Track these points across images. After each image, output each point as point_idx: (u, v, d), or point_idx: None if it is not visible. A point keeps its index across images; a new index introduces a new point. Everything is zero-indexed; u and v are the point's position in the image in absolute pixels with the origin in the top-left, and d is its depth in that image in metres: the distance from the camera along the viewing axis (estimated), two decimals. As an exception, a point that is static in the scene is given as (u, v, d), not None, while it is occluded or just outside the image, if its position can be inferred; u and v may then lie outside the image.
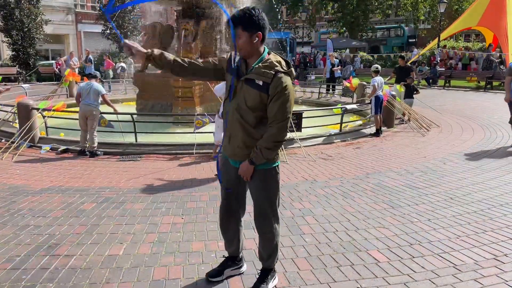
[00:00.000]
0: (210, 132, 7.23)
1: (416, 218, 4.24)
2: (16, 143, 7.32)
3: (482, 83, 20.07)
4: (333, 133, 8.38)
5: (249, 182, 2.75)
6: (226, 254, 3.11)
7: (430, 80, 20.98)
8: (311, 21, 36.55)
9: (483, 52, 25.43)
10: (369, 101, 9.09)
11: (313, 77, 23.62)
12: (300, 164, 6.47)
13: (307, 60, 28.25)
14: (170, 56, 2.70)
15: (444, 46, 25.95)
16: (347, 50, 29.42)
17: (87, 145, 7.14)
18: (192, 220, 4.18)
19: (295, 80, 17.17)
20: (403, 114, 10.39)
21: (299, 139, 7.52)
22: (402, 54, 15.36)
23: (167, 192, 5.11)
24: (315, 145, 7.83)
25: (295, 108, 7.64)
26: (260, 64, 2.52)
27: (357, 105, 9.76)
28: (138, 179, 5.66)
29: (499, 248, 3.53)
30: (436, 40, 25.21)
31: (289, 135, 7.50)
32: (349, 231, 3.91)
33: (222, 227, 3.01)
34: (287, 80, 2.49)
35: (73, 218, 4.21)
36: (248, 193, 2.89)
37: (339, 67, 17.33)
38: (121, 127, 7.80)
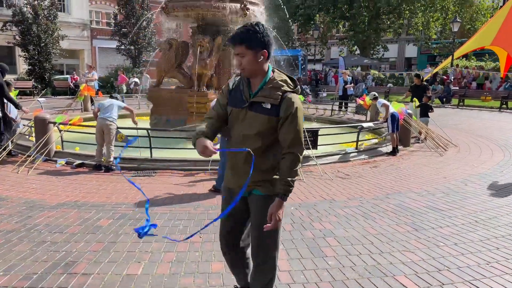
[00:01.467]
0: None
1: (441, 242, 4.09)
2: (32, 157, 7.33)
3: (496, 103, 19.85)
4: (349, 151, 8.26)
5: (253, 211, 2.47)
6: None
7: (444, 99, 20.81)
8: (323, 39, 36.76)
9: (496, 72, 25.27)
10: (385, 120, 8.98)
11: (324, 94, 23.61)
12: (317, 183, 6.35)
13: (318, 78, 28.28)
14: (209, 132, 2.44)
15: (457, 65, 25.83)
16: (359, 68, 29.42)
17: (103, 160, 7.12)
18: (210, 239, 4.08)
19: (308, 98, 17.20)
20: (420, 133, 10.25)
21: (315, 156, 7.43)
22: (418, 72, 15.28)
23: (183, 209, 5.02)
24: (331, 163, 7.72)
25: (310, 125, 7.56)
26: (266, 86, 2.34)
27: (373, 123, 9.65)
28: (154, 195, 5.60)
29: None
30: (450, 58, 25.11)
31: (305, 152, 7.42)
32: (373, 255, 3.78)
33: (228, 262, 2.78)
34: (296, 100, 2.32)
35: (89, 235, 4.14)
36: None
37: (352, 84, 17.28)
38: (139, 142, 7.77)
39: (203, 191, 5.83)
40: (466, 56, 30.58)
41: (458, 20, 24.98)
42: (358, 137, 8.51)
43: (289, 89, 2.34)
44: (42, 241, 3.97)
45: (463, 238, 4.20)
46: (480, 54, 34.16)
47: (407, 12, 32.86)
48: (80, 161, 7.38)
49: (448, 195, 5.73)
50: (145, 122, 12.06)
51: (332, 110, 15.28)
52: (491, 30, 24.53)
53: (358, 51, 35.42)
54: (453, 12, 31.54)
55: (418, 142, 10.25)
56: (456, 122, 14.23)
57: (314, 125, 12.30)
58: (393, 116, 8.71)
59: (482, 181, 6.50)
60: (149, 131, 7.70)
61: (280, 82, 2.34)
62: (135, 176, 6.74)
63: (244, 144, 2.34)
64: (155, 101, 11.87)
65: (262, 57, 2.31)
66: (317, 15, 35.15)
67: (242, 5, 10.76)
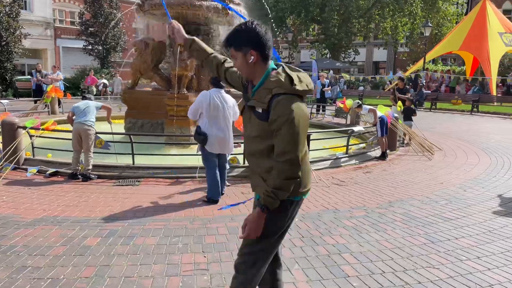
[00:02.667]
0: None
1: (463, 255, 3.85)
2: (0, 166, 6.63)
3: (467, 106, 20.34)
4: (340, 156, 8.01)
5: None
6: None
7: (417, 102, 21.11)
8: (293, 42, 36.76)
9: (462, 75, 26.04)
10: (374, 124, 8.80)
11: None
12: (314, 190, 6.04)
13: (292, 80, 28.16)
14: (208, 49, 2.53)
15: (426, 69, 26.41)
16: (331, 71, 29.58)
17: (80, 168, 6.52)
18: (216, 259, 3.66)
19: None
20: (405, 136, 10.19)
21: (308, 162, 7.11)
22: (401, 76, 15.36)
23: (178, 223, 4.56)
24: (323, 168, 7.43)
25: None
26: (260, 88, 2.11)
27: (363, 127, 9.47)
28: (143, 208, 5.10)
29: None
30: (421, 62, 25.63)
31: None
32: (397, 272, 3.48)
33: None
34: (286, 103, 1.99)
35: (77, 257, 3.63)
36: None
37: (329, 87, 17.19)
38: (115, 149, 7.24)
39: (195, 202, 5.39)
40: (433, 61, 31.42)
41: (430, 24, 25.48)
42: (348, 142, 8.28)
43: (281, 91, 2.02)
44: (22, 266, 3.42)
45: (483, 250, 3.98)
46: (444, 59, 35.26)
47: (377, 16, 33.39)
48: (53, 169, 6.74)
49: (452, 203, 5.55)
50: (118, 126, 11.42)
51: (311, 113, 15.08)
52: (459, 35, 25.31)
53: (329, 55, 35.65)
54: (421, 17, 32.27)
55: (403, 146, 10.18)
56: (432, 125, 14.34)
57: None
58: (382, 120, 8.55)
59: (479, 187, 6.39)
60: (131, 136, 7.13)
61: (272, 83, 2.05)
62: (117, 185, 6.20)
63: (250, 145, 2.23)
64: (130, 104, 11.24)
65: (252, 57, 2.10)
66: (289, 18, 35.12)
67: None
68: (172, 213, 4.93)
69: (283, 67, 2.13)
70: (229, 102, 5.53)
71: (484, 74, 23.14)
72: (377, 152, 8.88)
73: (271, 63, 2.16)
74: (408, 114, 10.45)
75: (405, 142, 10.36)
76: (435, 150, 9.50)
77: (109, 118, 7.33)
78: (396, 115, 9.66)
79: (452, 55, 34.73)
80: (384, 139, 8.56)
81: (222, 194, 5.69)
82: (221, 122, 5.35)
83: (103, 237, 4.10)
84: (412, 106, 10.99)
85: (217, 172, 5.44)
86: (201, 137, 5.29)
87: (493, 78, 22.09)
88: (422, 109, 20.89)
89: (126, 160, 7.17)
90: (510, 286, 3.25)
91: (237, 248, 3.84)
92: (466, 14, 33.49)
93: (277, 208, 2.09)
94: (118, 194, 5.72)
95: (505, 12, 31.49)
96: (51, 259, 3.58)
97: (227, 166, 6.07)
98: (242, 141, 6.92)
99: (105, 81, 22.88)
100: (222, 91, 5.55)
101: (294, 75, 2.07)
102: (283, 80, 2.04)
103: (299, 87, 2.04)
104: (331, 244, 4.05)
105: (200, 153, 6.43)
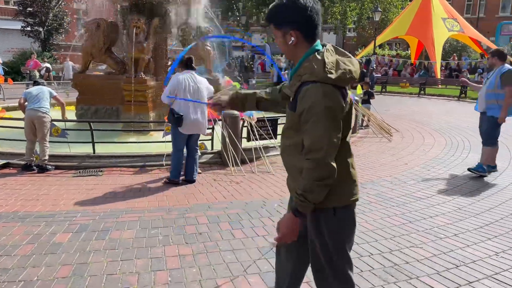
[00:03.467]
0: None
1: (441, 233, 3.97)
2: None
3: (414, 89, 21.23)
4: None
5: (307, 227, 1.97)
6: None
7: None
8: (246, 26, 36.42)
9: (408, 59, 27.14)
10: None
11: (254, 81, 23.37)
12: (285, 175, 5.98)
13: (245, 65, 28.01)
14: (252, 95, 2.21)
15: (376, 54, 27.18)
16: (284, 56, 29.69)
17: (34, 159, 6.03)
18: (201, 250, 3.51)
19: (245, 85, 16.77)
20: (364, 118, 10.42)
21: (273, 147, 7.08)
22: (359, 60, 15.66)
23: (154, 214, 4.34)
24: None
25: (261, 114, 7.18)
26: (295, 73, 1.87)
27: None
28: (111, 199, 4.81)
29: (545, 264, 3.34)
30: (371, 46, 26.32)
31: (266, 142, 7.02)
32: (385, 254, 3.51)
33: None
34: (315, 92, 1.71)
35: (49, 256, 3.33)
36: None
37: (287, 71, 17.22)
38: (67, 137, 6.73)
39: (168, 192, 5.16)
40: (380, 46, 32.39)
41: (379, 9, 26.15)
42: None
43: (311, 78, 1.74)
44: (-14, 270, 3.09)
45: (459, 227, 4.12)
46: (389, 43, 36.47)
47: (327, 1, 33.77)
48: (4, 161, 6.19)
49: (419, 182, 5.73)
50: (69, 113, 10.74)
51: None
52: (405, 21, 26.19)
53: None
54: (369, 2, 33.06)
55: (362, 128, 10.41)
56: (385, 108, 14.79)
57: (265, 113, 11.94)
58: (346, 103, 8.64)
59: (441, 166, 6.65)
60: (91, 123, 6.68)
61: (305, 67, 1.79)
62: (77, 176, 5.81)
63: (282, 138, 2.00)
64: (82, 89, 10.59)
65: (292, 38, 1.83)
66: (240, 1, 34.68)
67: (181, -15, 9.91)
68: (145, 203, 4.68)
69: (328, 48, 1.85)
70: (203, 83, 5.43)
71: (429, 58, 24.19)
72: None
73: (317, 43, 1.86)
74: (368, 98, 10.69)
75: (364, 124, 10.61)
76: (393, 132, 9.80)
77: (64, 114, 6.76)
78: (356, 98, 9.82)
79: (396, 40, 36.07)
80: (347, 122, 8.67)
81: (194, 181, 5.52)
82: (196, 104, 5.30)
83: (74, 233, 3.80)
84: (369, 90, 11.25)
85: (183, 154, 5.49)
86: (177, 118, 5.20)
87: (438, 62, 23.18)
88: (373, 92, 21.55)
89: (80, 149, 6.75)
90: (491, 261, 3.38)
91: (221, 237, 3.73)
92: (410, 0, 34.77)
93: (331, 215, 1.87)
94: (81, 185, 5.36)
95: (446, -2, 32.98)
96: (19, 259, 3.26)
97: (198, 153, 5.88)
98: (210, 127, 6.76)
99: (48, 65, 21.43)
100: (195, 73, 5.43)
101: (332, 59, 1.78)
102: (315, 66, 1.75)
103: (333, 74, 1.73)
104: (315, 229, 4.02)
105: (164, 139, 6.22)
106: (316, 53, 1.82)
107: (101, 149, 6.81)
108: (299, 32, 1.83)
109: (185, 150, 5.54)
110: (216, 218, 4.23)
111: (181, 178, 5.53)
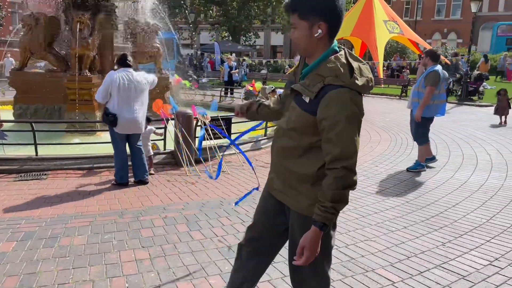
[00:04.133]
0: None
1: (392, 226, 4.15)
2: None
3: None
4: (259, 139, 8.07)
5: (293, 232, 1.93)
6: None
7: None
8: (194, 24, 35.98)
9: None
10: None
11: (204, 80, 23.17)
12: (243, 174, 5.99)
13: (195, 63, 27.68)
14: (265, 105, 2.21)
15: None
16: (233, 54, 29.68)
17: (-31, 162, 5.58)
18: (159, 253, 3.41)
19: (195, 84, 16.55)
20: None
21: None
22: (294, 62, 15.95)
23: (106, 218, 4.17)
24: (245, 151, 7.41)
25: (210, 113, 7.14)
26: (314, 70, 1.76)
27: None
28: (58, 204, 4.55)
29: (491, 250, 3.58)
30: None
31: (219, 141, 6.97)
32: (341, 248, 3.61)
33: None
34: (343, 98, 1.66)
35: (-9, 268, 3.09)
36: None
37: (237, 70, 17.22)
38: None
39: (120, 194, 4.97)
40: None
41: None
42: (267, 124, 8.36)
43: (337, 83, 1.67)
44: None
45: (407, 220, 4.33)
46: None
47: (274, 1, 34.17)
48: None
49: (369, 178, 5.95)
50: (6, 112, 10.05)
51: (220, 96, 14.98)
52: (350, 22, 27.03)
53: (230, 38, 35.66)
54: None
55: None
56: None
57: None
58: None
59: (388, 162, 6.95)
60: (33, 124, 6.28)
61: (328, 69, 1.70)
62: (19, 180, 5.45)
63: (280, 138, 1.89)
64: (20, 87, 9.97)
65: (320, 31, 1.72)
66: (188, -2, 34.21)
67: (128, -21, 9.58)
68: (96, 207, 4.48)
69: (345, 51, 1.79)
70: (141, 79, 5.24)
71: (372, 58, 25.21)
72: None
73: (335, 43, 1.80)
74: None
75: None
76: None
77: None
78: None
79: (341, 41, 37.30)
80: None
81: (146, 182, 5.37)
82: (132, 102, 5.14)
83: (19, 241, 3.55)
84: None
85: (125, 155, 5.34)
86: (111, 118, 5.06)
87: (380, 62, 24.20)
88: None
89: (19, 151, 6.35)
90: (439, 251, 3.58)
91: (178, 239, 3.65)
92: (354, 2, 36.04)
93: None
94: (23, 190, 5.03)
95: (386, 1, 34.51)
96: (-42, 273, 2.99)
97: (151, 152, 5.72)
98: (162, 126, 6.60)
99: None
100: (131, 70, 5.27)
101: (356, 65, 1.73)
102: (342, 69, 1.68)
103: (359, 81, 1.69)
104: (272, 227, 4.05)
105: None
106: (338, 54, 1.76)
107: (44, 151, 6.44)
108: (327, 26, 1.73)
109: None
110: (172, 220, 4.14)
111: (132, 179, 5.37)
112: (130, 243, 3.58)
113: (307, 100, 1.74)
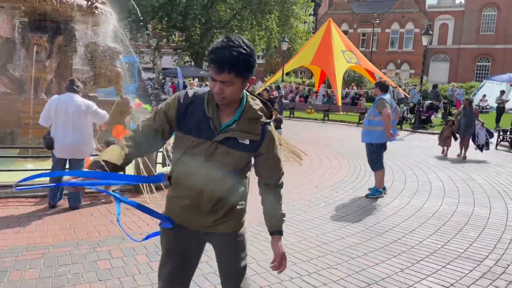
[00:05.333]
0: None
1: (353, 253, 4.22)
2: None
3: (319, 115, 22.64)
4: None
5: (228, 253, 2.14)
6: None
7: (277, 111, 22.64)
8: (156, 48, 35.95)
9: (313, 87, 29.01)
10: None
11: (165, 104, 22.96)
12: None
13: (156, 87, 27.47)
14: (118, 154, 1.91)
15: (283, 81, 28.59)
16: (196, 79, 29.78)
17: None
18: (117, 286, 3.28)
19: (155, 107, 16.37)
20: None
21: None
22: (267, 87, 16.21)
23: (60, 249, 3.97)
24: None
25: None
26: (242, 116, 1.95)
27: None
28: (7, 235, 4.30)
29: (447, 275, 3.71)
30: (279, 73, 27.59)
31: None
32: (303, 277, 3.62)
33: None
34: (274, 133, 2.06)
35: None
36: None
37: (199, 95, 17.26)
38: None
39: (75, 223, 4.77)
40: (287, 73, 34.20)
41: (286, 40, 27.64)
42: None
43: (266, 120, 2.00)
44: None
45: (367, 247, 4.42)
46: (295, 71, 38.68)
47: (236, 28, 34.86)
48: None
49: (330, 205, 6.05)
50: (-47, 136, 9.49)
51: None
52: (310, 51, 28.02)
53: (192, 62, 35.83)
54: (276, 32, 34.85)
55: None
56: (293, 132, 15.52)
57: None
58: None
59: (348, 188, 7.11)
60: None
61: (258, 112, 1.98)
62: (-35, 209, 5.12)
63: (212, 183, 1.95)
64: (-31, 109, 9.45)
65: (248, 84, 1.94)
66: (151, 22, 34.21)
67: (90, 3, 9.47)
68: (50, 238, 4.26)
69: (247, 90, 2.02)
70: (82, 106, 5.28)
71: (331, 86, 26.09)
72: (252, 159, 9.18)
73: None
74: (278, 124, 11.10)
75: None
76: (302, 155, 10.28)
77: None
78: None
79: (302, 69, 38.42)
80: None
81: (77, 207, 5.33)
82: (70, 127, 5.20)
83: (-36, 277, 3.31)
84: (278, 116, 11.69)
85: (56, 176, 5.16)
86: (47, 141, 5.22)
87: (339, 90, 25.08)
88: (282, 117, 22.49)
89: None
90: (398, 278, 3.67)
91: (138, 271, 3.54)
92: (314, 32, 37.44)
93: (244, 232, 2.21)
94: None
95: (343, 32, 36.11)
96: None
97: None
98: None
99: None
100: (75, 95, 5.36)
101: (263, 101, 2.08)
102: (264, 107, 2.02)
103: (271, 111, 2.07)
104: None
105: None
106: (249, 94, 2.04)
107: (5, 177, 6.10)
108: (254, 78, 1.99)
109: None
110: (131, 250, 4.00)
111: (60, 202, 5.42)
112: (86, 276, 3.42)
113: (247, 142, 1.95)
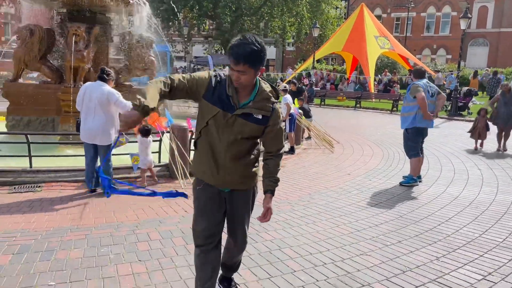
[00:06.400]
0: (124, 154, 6.31)
1: (387, 241, 4.19)
2: None
3: (351, 102, 22.30)
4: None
5: (239, 206, 2.65)
6: None
7: (308, 99, 22.45)
8: (188, 36, 36.23)
9: (344, 74, 28.53)
10: (284, 120, 9.10)
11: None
12: (236, 187, 6.02)
13: (188, 75, 27.74)
14: (156, 95, 2.29)
15: (315, 68, 28.24)
16: (227, 68, 29.87)
17: (-38, 174, 5.55)
18: (156, 267, 3.41)
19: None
20: (309, 131, 10.73)
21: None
22: (294, 80, 16.15)
23: (102, 231, 4.16)
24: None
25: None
26: (257, 97, 2.44)
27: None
28: (53, 216, 4.54)
29: (485, 264, 3.64)
30: (310, 60, 27.27)
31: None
32: (337, 262, 3.64)
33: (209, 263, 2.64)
34: (279, 110, 2.56)
35: (-13, 281, 3.07)
36: None
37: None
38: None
39: (115, 207, 4.97)
40: (318, 60, 33.73)
41: (318, 26, 27.22)
42: (260, 137, 8.42)
43: (275, 100, 2.51)
44: None
45: (401, 234, 4.38)
46: (326, 58, 38.05)
47: (266, 15, 34.60)
48: None
49: (362, 192, 6.01)
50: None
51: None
52: (341, 37, 27.48)
53: (223, 51, 35.91)
54: (307, 19, 34.36)
55: (303, 140, 10.72)
56: (325, 120, 15.36)
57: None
58: (291, 116, 8.88)
59: (381, 176, 7.03)
60: (27, 136, 6.27)
61: (268, 93, 2.48)
62: (13, 192, 5.42)
63: (231, 146, 2.42)
64: (13, 99, 9.91)
65: (259, 72, 2.42)
66: (181, 11, 34.46)
67: (125, -7, 9.65)
68: (92, 220, 4.47)
69: (260, 77, 2.51)
70: (105, 94, 5.38)
71: (364, 73, 25.57)
72: (285, 147, 9.21)
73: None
74: (305, 112, 11.02)
75: (306, 136, 10.93)
76: (334, 143, 10.20)
77: None
78: (301, 111, 10.13)
79: (333, 55, 37.74)
80: (292, 134, 8.92)
81: (107, 192, 5.42)
82: (92, 113, 5.40)
83: (15, 254, 3.53)
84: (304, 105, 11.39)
85: (89, 162, 5.57)
86: (76, 125, 5.71)
87: (371, 77, 24.56)
88: (313, 105, 22.29)
89: (12, 163, 6.33)
90: (433, 266, 3.63)
91: (175, 252, 3.67)
92: (346, 18, 36.63)
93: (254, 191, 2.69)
94: (17, 202, 5.00)
95: (376, 17, 35.16)
96: (-47, 286, 2.97)
97: (151, 163, 5.81)
98: (158, 139, 6.62)
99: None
100: (103, 83, 5.53)
101: (272, 85, 2.58)
102: (273, 90, 2.52)
103: (279, 95, 2.59)
104: (269, 240, 4.08)
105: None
106: (262, 80, 2.53)
107: (38, 163, 6.40)
108: (264, 68, 2.36)
109: None
110: (169, 233, 4.15)
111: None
112: (126, 257, 3.58)
113: (260, 117, 2.43)
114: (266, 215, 2.59)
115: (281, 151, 2.62)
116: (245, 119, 2.40)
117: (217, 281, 2.85)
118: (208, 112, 2.40)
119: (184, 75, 2.43)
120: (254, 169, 2.58)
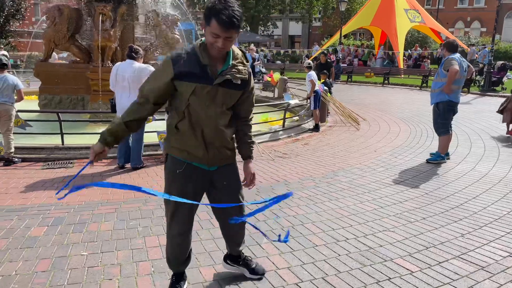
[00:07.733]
0: (152, 132, 6.45)
1: (410, 217, 4.17)
2: None
3: (379, 79, 21.80)
4: (277, 129, 8.14)
5: (232, 178, 2.59)
6: None
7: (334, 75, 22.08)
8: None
9: (373, 49, 27.78)
10: (309, 97, 9.03)
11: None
12: (261, 164, 6.08)
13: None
14: (124, 128, 2.34)
15: (342, 43, 27.62)
16: (252, 45, 29.65)
17: (0, 151, 5.82)
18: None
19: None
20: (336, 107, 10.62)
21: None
22: (324, 51, 15.83)
23: (131, 205, 4.32)
24: (263, 142, 7.50)
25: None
26: (234, 61, 2.32)
27: (299, 100, 9.68)
28: (85, 191, 4.72)
29: (510, 241, 3.59)
30: (336, 36, 26.67)
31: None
32: (359, 238, 3.67)
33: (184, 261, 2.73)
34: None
35: (26, 250, 3.26)
36: None
37: (259, 61, 17.22)
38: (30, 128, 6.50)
39: (143, 183, 5.12)
40: (345, 36, 32.94)
41: (345, 0, 26.50)
42: (285, 115, 8.42)
43: (246, 62, 2.42)
44: (-40, 267, 2.99)
45: (426, 211, 4.34)
46: (353, 33, 37.10)
47: (292, -10, 33.95)
48: (-34, 154, 5.93)
49: (388, 169, 5.96)
50: (32, 103, 10.34)
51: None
52: (370, 11, 26.67)
53: (248, 28, 35.59)
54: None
55: (327, 116, 10.62)
56: (351, 97, 15.17)
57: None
58: (316, 93, 8.80)
59: (408, 153, 6.93)
60: (59, 114, 6.49)
61: (241, 57, 2.38)
62: (46, 168, 5.66)
63: (217, 120, 2.34)
64: (45, 78, 10.24)
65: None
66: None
67: (149, -29, 9.66)
68: (121, 194, 4.63)
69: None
70: (137, 70, 5.53)
71: (393, 48, 24.85)
72: (309, 124, 9.18)
73: None
74: (328, 88, 10.88)
75: (330, 113, 10.82)
76: (360, 120, 10.07)
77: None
78: (326, 88, 10.01)
79: (361, 30, 36.76)
80: (317, 111, 8.86)
81: (136, 168, 5.74)
82: (127, 91, 5.51)
83: (49, 226, 3.73)
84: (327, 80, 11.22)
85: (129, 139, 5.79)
86: (111, 105, 5.85)
87: (401, 52, 23.84)
88: (339, 82, 21.95)
89: (44, 140, 6.58)
90: (458, 242, 3.60)
91: (200, 226, 3.78)
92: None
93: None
94: (51, 177, 5.23)
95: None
96: (-6, 255, 3.17)
97: (141, 145, 5.96)
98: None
99: (5, 52, 20.45)
100: (133, 61, 5.63)
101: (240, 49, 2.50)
102: (242, 53, 2.41)
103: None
104: (292, 216, 4.14)
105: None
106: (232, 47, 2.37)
107: (69, 140, 6.64)
108: None
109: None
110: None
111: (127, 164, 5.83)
112: (154, 230, 3.71)
113: (239, 82, 2.32)
114: (252, 181, 2.66)
115: (252, 115, 2.61)
116: (227, 87, 2.29)
117: (226, 260, 2.93)
118: (186, 91, 2.25)
119: (147, 87, 2.33)
120: (233, 140, 2.56)
